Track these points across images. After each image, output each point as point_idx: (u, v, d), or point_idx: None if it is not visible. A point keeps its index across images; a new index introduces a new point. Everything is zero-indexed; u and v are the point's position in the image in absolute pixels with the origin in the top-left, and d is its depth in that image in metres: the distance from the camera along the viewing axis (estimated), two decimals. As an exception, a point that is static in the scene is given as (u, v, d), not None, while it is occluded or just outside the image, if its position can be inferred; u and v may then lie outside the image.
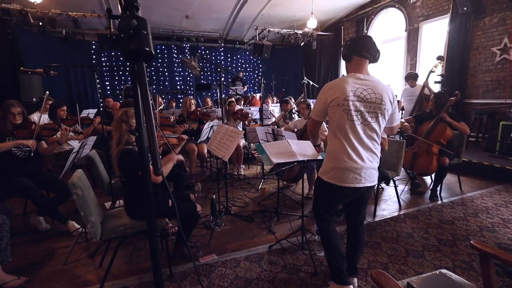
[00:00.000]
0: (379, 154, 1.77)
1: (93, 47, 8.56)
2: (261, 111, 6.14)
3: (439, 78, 5.21)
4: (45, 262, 2.39)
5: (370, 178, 1.72)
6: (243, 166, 4.88)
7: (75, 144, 3.67)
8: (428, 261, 2.24)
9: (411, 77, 5.16)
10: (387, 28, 7.60)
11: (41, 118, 3.38)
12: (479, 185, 3.88)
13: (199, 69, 8.06)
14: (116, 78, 9.01)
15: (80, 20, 7.15)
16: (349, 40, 1.78)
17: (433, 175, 3.65)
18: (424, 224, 2.84)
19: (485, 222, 2.84)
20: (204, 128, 3.97)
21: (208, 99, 6.37)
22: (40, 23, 6.74)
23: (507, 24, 4.93)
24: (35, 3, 5.64)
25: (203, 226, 2.93)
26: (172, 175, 3.07)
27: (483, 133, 5.24)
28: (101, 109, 3.26)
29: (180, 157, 2.31)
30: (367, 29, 7.82)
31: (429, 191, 3.59)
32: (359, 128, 1.66)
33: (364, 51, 1.68)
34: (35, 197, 2.71)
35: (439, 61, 4.72)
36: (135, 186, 2.03)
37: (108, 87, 8.90)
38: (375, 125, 1.68)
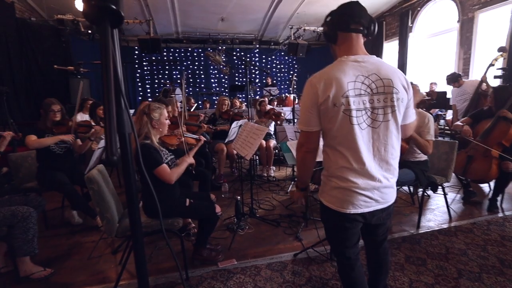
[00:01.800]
0: (397, 166, 1.29)
1: (136, 52, 9.05)
2: (293, 111, 5.93)
3: (499, 72, 4.54)
4: (72, 255, 2.44)
5: (383, 199, 1.26)
6: (273, 168, 4.69)
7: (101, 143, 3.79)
8: (487, 286, 1.85)
9: (453, 79, 4.56)
10: (435, 20, 6.90)
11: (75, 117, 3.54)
12: (553, 197, 3.24)
13: (224, 64, 8.07)
14: (156, 81, 9.42)
15: (124, 27, 7.58)
16: (329, 14, 1.27)
17: (492, 183, 3.13)
18: (481, 240, 2.39)
19: None
20: (232, 127, 3.87)
21: (236, 100, 6.32)
22: (90, 31, 7.27)
23: None
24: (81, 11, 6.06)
25: (226, 228, 2.81)
26: (196, 174, 3.00)
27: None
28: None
29: (192, 160, 2.21)
30: (412, 23, 7.18)
31: (487, 201, 3.07)
32: (367, 133, 1.18)
33: (352, 22, 1.20)
34: (68, 192, 2.81)
35: (501, 53, 4.11)
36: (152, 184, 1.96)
37: (148, 90, 9.34)
38: (390, 125, 1.20)
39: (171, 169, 1.98)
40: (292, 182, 4.04)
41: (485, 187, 3.60)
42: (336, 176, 1.24)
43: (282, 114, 5.00)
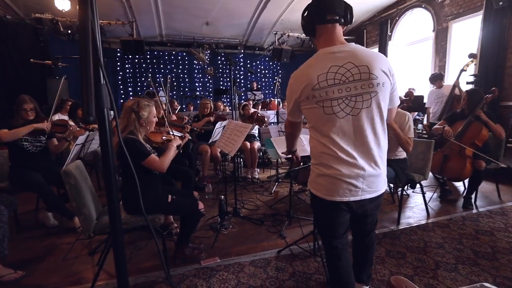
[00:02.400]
0: (385, 153, 1.29)
1: (118, 54, 8.87)
2: (277, 114, 5.99)
3: (471, 78, 4.78)
4: (46, 257, 2.32)
5: (370, 188, 1.25)
6: (258, 170, 4.69)
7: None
8: (463, 276, 1.91)
9: (437, 78, 4.79)
10: (413, 29, 7.22)
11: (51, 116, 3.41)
12: (522, 194, 3.42)
13: (207, 62, 8.09)
14: (139, 84, 9.25)
15: (106, 28, 7.43)
16: (305, 8, 1.28)
17: (466, 181, 3.27)
18: (457, 234, 2.48)
19: (532, 235, 2.44)
20: (216, 127, 3.85)
21: (220, 103, 6.34)
22: (69, 31, 7.08)
23: (551, 18, 4.45)
24: (63, 11, 5.90)
25: (209, 228, 2.77)
26: (179, 174, 2.96)
27: (525, 138, 4.70)
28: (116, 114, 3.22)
29: (178, 141, 2.19)
30: (391, 32, 7.47)
31: (462, 199, 3.20)
32: (347, 121, 1.19)
33: (327, 13, 1.20)
34: (44, 192, 2.69)
35: (471, 59, 4.33)
36: (130, 178, 1.91)
37: (130, 94, 9.15)
38: (372, 112, 1.19)
39: (159, 158, 1.95)
40: (276, 183, 4.05)
41: (460, 186, 3.75)
42: (321, 163, 1.27)
43: (266, 118, 5.04)
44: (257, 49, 10.05)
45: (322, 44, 1.25)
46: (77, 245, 2.46)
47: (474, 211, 2.99)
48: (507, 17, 4.96)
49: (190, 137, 2.64)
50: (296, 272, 2.01)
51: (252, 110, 5.13)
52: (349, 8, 1.25)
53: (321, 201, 1.29)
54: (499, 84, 5.04)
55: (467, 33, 5.83)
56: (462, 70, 4.29)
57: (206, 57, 8.28)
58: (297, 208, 3.12)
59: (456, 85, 4.33)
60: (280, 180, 4.20)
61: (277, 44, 8.17)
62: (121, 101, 9.06)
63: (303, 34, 8.48)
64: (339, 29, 1.25)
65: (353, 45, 1.23)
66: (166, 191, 2.12)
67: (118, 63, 8.99)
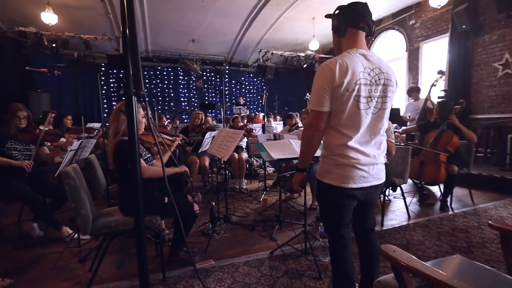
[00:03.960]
0: (385, 146, 1.47)
1: (103, 69, 8.86)
2: (263, 127, 6.16)
3: (442, 93, 5.20)
4: (33, 266, 2.26)
5: (378, 175, 1.43)
6: (245, 181, 4.77)
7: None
8: (443, 267, 2.06)
9: (413, 90, 5.19)
10: (388, 48, 7.77)
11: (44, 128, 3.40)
12: (492, 197, 3.69)
13: (200, 72, 8.27)
14: (123, 99, 9.21)
15: (92, 42, 7.46)
16: (339, 9, 1.41)
17: (441, 186, 3.51)
18: (436, 233, 2.66)
19: (502, 231, 2.65)
20: (205, 137, 3.94)
21: (209, 118, 6.45)
22: (54, 45, 7.05)
23: (507, 40, 4.99)
24: (50, 25, 5.92)
25: (201, 234, 2.80)
26: (170, 183, 2.99)
27: (491, 148, 5.11)
28: (106, 124, 3.25)
29: (184, 168, 2.24)
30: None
31: (439, 202, 3.43)
32: (369, 118, 1.35)
33: (361, 22, 1.36)
34: (31, 202, 2.65)
35: (440, 75, 4.74)
36: (128, 180, 1.96)
37: (115, 107, 9.08)
38: (385, 113, 1.40)
39: (148, 166, 2.00)
40: (264, 192, 4.14)
41: (436, 192, 4.00)
42: (338, 154, 1.37)
43: (254, 131, 5.19)
44: (241, 65, 10.37)
45: (349, 45, 1.38)
46: (66, 254, 2.41)
47: (450, 212, 3.21)
48: (469, 40, 5.50)
49: (180, 142, 2.71)
50: (289, 270, 2.08)
51: (241, 124, 5.28)
52: (374, 23, 1.44)
53: (337, 189, 1.38)
54: (467, 99, 5.49)
55: (437, 53, 6.36)
56: (432, 85, 4.68)
57: (199, 67, 8.46)
58: (286, 213, 3.22)
59: (428, 99, 4.70)
60: (268, 189, 4.29)
61: (261, 61, 8.50)
62: (105, 115, 8.96)
63: (287, 52, 8.91)
64: (364, 37, 1.41)
65: (375, 53, 1.42)
66: (162, 193, 2.17)
67: (103, 78, 8.96)
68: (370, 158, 1.38)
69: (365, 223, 1.57)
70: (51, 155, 3.04)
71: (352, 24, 1.37)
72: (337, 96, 1.30)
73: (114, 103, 9.14)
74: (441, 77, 4.78)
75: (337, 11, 1.43)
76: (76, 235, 2.58)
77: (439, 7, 5.30)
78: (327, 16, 1.53)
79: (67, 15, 6.52)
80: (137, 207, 0.92)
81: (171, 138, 2.68)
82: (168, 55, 9.33)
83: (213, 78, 10.28)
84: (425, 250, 2.33)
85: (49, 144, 3.40)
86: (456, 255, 1.17)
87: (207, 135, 3.94)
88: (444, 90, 5.29)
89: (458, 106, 3.52)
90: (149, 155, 2.16)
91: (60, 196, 2.82)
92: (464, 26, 5.34)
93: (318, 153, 2.07)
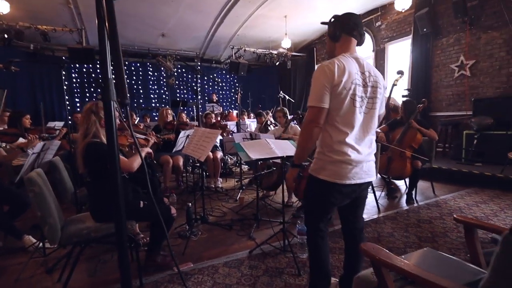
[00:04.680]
0: (375, 145, 1.57)
1: (64, 60, 8.26)
2: (238, 125, 6.14)
3: (405, 92, 5.52)
4: (-8, 280, 2.08)
5: (370, 171, 1.51)
6: (220, 179, 4.73)
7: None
8: (411, 257, 2.21)
9: None
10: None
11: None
12: (451, 189, 4.01)
13: (174, 71, 8.04)
14: (87, 95, 8.69)
15: (50, 34, 6.92)
16: (336, 17, 1.53)
17: (407, 180, 3.74)
18: (403, 225, 2.84)
19: (460, 220, 2.89)
20: (179, 137, 3.84)
21: (183, 114, 6.29)
22: (6, 36, 6.43)
23: (462, 44, 5.41)
24: (1, 13, 5.39)
25: (177, 235, 2.74)
26: (142, 182, 2.88)
27: (449, 143, 5.54)
28: (69, 122, 3.04)
29: (149, 149, 2.19)
30: (337, 50, 8.25)
31: (405, 196, 3.65)
32: (362, 116, 1.45)
33: (355, 30, 1.48)
34: (-14, 209, 2.42)
35: (400, 75, 5.02)
36: (100, 184, 1.86)
37: (78, 104, 8.53)
38: (375, 113, 1.50)
39: (130, 158, 1.92)
40: (241, 190, 4.13)
41: (402, 186, 4.26)
42: (334, 151, 1.43)
43: (228, 127, 5.16)
44: (214, 62, 10.21)
45: (343, 49, 1.49)
46: (30, 265, 2.24)
47: (416, 205, 3.43)
48: (430, 41, 5.89)
49: (155, 141, 2.63)
50: (269, 268, 2.11)
51: (214, 120, 5.21)
52: (364, 34, 1.55)
53: (331, 185, 1.44)
54: (427, 97, 5.88)
55: (401, 54, 6.73)
56: (393, 85, 4.94)
57: (173, 66, 8.19)
58: (263, 211, 3.25)
59: (389, 98, 4.96)
60: (244, 187, 4.30)
61: (234, 58, 8.43)
62: (66, 113, 8.38)
63: (259, 49, 8.92)
64: (355, 44, 1.53)
65: (370, 62, 1.52)
66: (136, 197, 2.09)
67: (64, 72, 8.34)
68: (363, 155, 1.46)
69: (355, 223, 1.67)
70: (9, 157, 2.80)
71: (347, 32, 1.49)
72: (335, 94, 1.37)
73: (77, 99, 8.58)
74: (400, 77, 5.06)
75: (333, 19, 1.55)
76: (40, 243, 2.40)
77: (403, 11, 5.59)
78: (324, 23, 1.63)
79: (22, 4, 5.98)
80: (118, 214, 0.87)
81: (143, 137, 2.58)
82: (136, 49, 8.91)
83: (185, 75, 10.02)
84: (395, 241, 2.47)
85: (4, 145, 3.12)
86: (427, 248, 1.26)
87: (181, 133, 3.84)
88: (407, 89, 5.64)
89: (421, 105, 3.75)
90: (122, 157, 2.06)
91: (20, 202, 2.60)
92: (425, 29, 5.70)
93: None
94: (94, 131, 1.86)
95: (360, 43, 1.54)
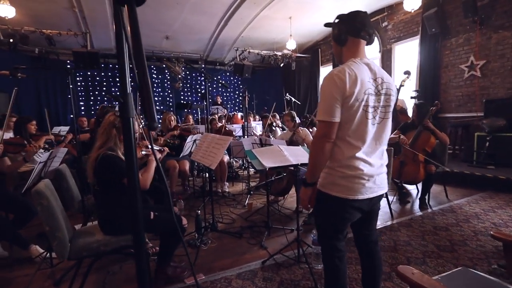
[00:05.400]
0: (387, 156, 1.47)
1: (68, 66, 8.24)
2: (243, 128, 6.07)
3: (414, 94, 5.42)
4: (-1, 293, 2.02)
5: (382, 184, 1.42)
6: (227, 184, 4.66)
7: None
8: (432, 268, 2.12)
9: None
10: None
11: (2, 136, 3.05)
12: (464, 193, 3.91)
13: (182, 75, 7.99)
14: (92, 98, 8.68)
15: (55, 38, 6.91)
16: (340, 18, 1.40)
17: (419, 184, 3.65)
18: (419, 232, 2.75)
19: (478, 227, 2.80)
20: (187, 142, 3.78)
21: (190, 116, 6.22)
22: (11, 40, 6.42)
23: (472, 44, 5.31)
24: (6, 18, 5.37)
25: (187, 244, 2.67)
26: (151, 191, 2.82)
27: (460, 144, 5.43)
28: (75, 127, 2.97)
29: (158, 154, 2.11)
30: (343, 51, 8.17)
31: (418, 201, 3.56)
32: (375, 128, 1.34)
33: (362, 30, 1.34)
34: (-8, 219, 2.36)
35: (407, 75, 4.93)
36: (110, 195, 1.80)
37: (82, 108, 8.52)
38: (388, 122, 1.39)
39: (141, 174, 1.85)
40: (248, 196, 4.06)
41: (412, 189, 4.16)
42: (346, 166, 1.33)
43: (234, 132, 5.10)
44: (218, 64, 10.17)
45: (351, 54, 1.37)
46: (37, 277, 2.18)
47: (429, 210, 3.34)
48: (438, 42, 5.78)
49: (168, 150, 2.56)
50: (283, 281, 2.03)
51: (219, 124, 5.15)
52: (374, 32, 1.42)
53: (343, 201, 1.34)
54: (436, 98, 5.78)
55: (409, 54, 6.63)
56: (401, 86, 4.85)
57: (182, 69, 8.15)
58: (273, 218, 3.17)
59: (397, 99, 4.87)
60: (252, 192, 4.22)
61: (238, 59, 8.38)
62: (71, 116, 8.38)
63: (264, 51, 8.86)
64: (364, 46, 1.40)
65: (376, 63, 1.40)
66: (147, 208, 2.02)
67: (68, 76, 8.33)
68: (375, 168, 1.37)
69: (369, 236, 1.56)
70: (13, 167, 2.75)
71: (353, 33, 1.36)
72: (347, 106, 1.26)
73: (81, 102, 8.56)
74: (408, 77, 4.97)
75: (337, 20, 1.41)
76: (48, 254, 2.35)
77: (412, 11, 5.50)
78: (327, 25, 1.51)
79: (27, 8, 5.97)
80: (137, 232, 0.80)
81: (158, 148, 2.51)
82: (140, 52, 8.89)
83: (189, 77, 9.98)
84: (413, 251, 2.38)
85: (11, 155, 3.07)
86: (462, 267, 1.18)
87: (188, 138, 3.78)
88: (416, 91, 5.54)
89: (434, 108, 3.66)
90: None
91: (27, 209, 2.55)
92: (433, 30, 5.60)
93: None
94: (112, 145, 1.80)
95: (369, 42, 1.41)
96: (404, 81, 4.77)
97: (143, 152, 2.30)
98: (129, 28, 0.60)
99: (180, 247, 2.58)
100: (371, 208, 1.46)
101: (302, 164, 2.23)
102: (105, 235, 1.81)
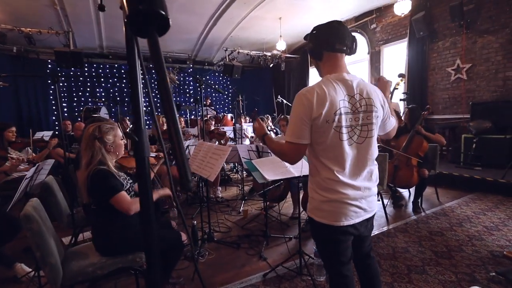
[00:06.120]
0: (377, 176, 1.37)
1: (49, 66, 7.89)
2: (235, 130, 5.99)
3: (403, 96, 5.49)
4: (-17, 320, 1.88)
5: (370, 208, 1.33)
6: (220, 188, 4.59)
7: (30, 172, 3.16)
8: (432, 276, 2.14)
9: None
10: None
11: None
12: (454, 195, 4.00)
13: (178, 82, 7.82)
14: (75, 99, 8.33)
15: (35, 37, 6.59)
16: (314, 30, 1.32)
17: (412, 188, 3.70)
18: (416, 238, 2.78)
19: (471, 231, 2.86)
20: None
21: (182, 119, 6.09)
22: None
23: (458, 47, 5.43)
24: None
25: (183, 257, 2.58)
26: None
27: (447, 146, 5.55)
28: (61, 132, 2.83)
29: (167, 192, 1.98)
30: (332, 52, 8.21)
31: (411, 204, 3.61)
32: (354, 148, 1.26)
33: (337, 43, 1.25)
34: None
35: (401, 78, 4.99)
36: (108, 214, 1.70)
37: (65, 109, 8.16)
38: (372, 141, 1.30)
39: (133, 199, 1.74)
40: (243, 201, 4.00)
41: (404, 192, 4.22)
42: (324, 188, 1.26)
43: (227, 134, 5.01)
44: (206, 64, 10.01)
45: (328, 69, 1.29)
46: (24, 299, 2.05)
47: (423, 214, 3.39)
48: (426, 45, 5.89)
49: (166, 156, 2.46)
50: (287, 295, 2.00)
51: (213, 126, 5.06)
52: (355, 40, 1.32)
53: (329, 228, 1.28)
54: (424, 101, 5.90)
55: (397, 56, 6.72)
56: (395, 89, 4.91)
57: (176, 77, 7.95)
58: (270, 226, 3.13)
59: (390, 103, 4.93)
60: (246, 198, 4.17)
61: (227, 60, 8.26)
62: (53, 118, 8.03)
63: (253, 51, 8.78)
64: (344, 58, 1.31)
65: (357, 76, 1.31)
66: (143, 224, 1.92)
67: (55, 84, 7.94)
68: (360, 191, 1.28)
69: (362, 251, 1.48)
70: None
71: (327, 48, 1.28)
72: (316, 127, 1.21)
73: (64, 104, 8.20)
74: (402, 80, 5.04)
75: (313, 32, 1.33)
76: (35, 273, 2.21)
77: (402, 15, 5.56)
78: (305, 38, 1.41)
79: (4, 5, 5.64)
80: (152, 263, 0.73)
81: (154, 155, 2.41)
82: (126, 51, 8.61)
83: (177, 77, 9.77)
84: (412, 258, 2.40)
85: None
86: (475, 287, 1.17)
87: (181, 145, 3.66)
88: (405, 93, 5.61)
89: (426, 112, 3.71)
90: (131, 181, 1.89)
91: (11, 225, 2.38)
92: (421, 33, 5.70)
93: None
94: (100, 158, 1.69)
95: (350, 53, 1.32)
96: (398, 84, 4.83)
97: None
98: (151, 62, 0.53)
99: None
100: (363, 230, 1.36)
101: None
102: (101, 256, 1.71)
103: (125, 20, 0.52)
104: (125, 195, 1.69)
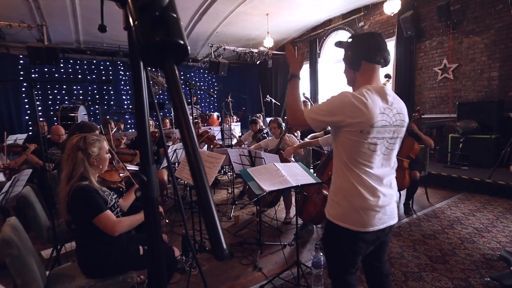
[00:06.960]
0: (395, 184, 1.41)
1: (21, 61, 7.39)
2: (222, 131, 5.86)
3: (391, 95, 5.55)
4: None
5: (393, 214, 1.36)
6: (209, 191, 4.45)
7: (1, 178, 2.92)
8: (429, 283, 2.13)
9: None
10: (338, 48, 8.02)
11: None
12: (443, 195, 4.08)
13: (166, 85, 7.54)
14: (50, 97, 7.87)
15: (5, 30, 6.15)
16: (354, 38, 1.33)
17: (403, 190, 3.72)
18: (410, 242, 2.78)
19: (463, 233, 2.90)
20: (168, 151, 3.50)
21: (167, 120, 5.87)
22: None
23: (445, 47, 5.52)
24: None
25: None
26: (130, 210, 2.56)
27: (434, 145, 5.66)
28: (36, 135, 2.62)
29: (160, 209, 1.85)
30: (319, 49, 8.18)
31: (402, 206, 3.63)
32: (381, 159, 1.28)
33: (378, 55, 1.27)
34: None
35: (387, 79, 5.02)
36: (93, 234, 1.55)
37: (39, 108, 7.69)
38: (393, 153, 1.33)
39: (119, 218, 1.60)
40: (233, 206, 3.90)
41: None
42: (355, 196, 1.28)
43: (216, 139, 4.87)
44: (190, 60, 9.73)
45: (365, 80, 1.30)
46: (0, 325, 1.87)
47: (414, 216, 3.42)
48: (413, 44, 5.95)
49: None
50: (286, 310, 1.93)
51: (202, 129, 4.91)
52: (389, 53, 1.32)
53: (354, 234, 1.28)
54: (411, 100, 5.98)
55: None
56: (382, 89, 4.95)
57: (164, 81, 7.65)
58: (263, 232, 3.05)
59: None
60: (236, 202, 4.05)
61: (213, 56, 8.06)
62: (26, 117, 7.55)
63: (239, 48, 8.60)
64: (379, 70, 1.33)
65: (391, 90, 1.33)
66: (133, 241, 1.79)
67: (21, 73, 7.47)
68: (386, 198, 1.31)
69: (380, 267, 1.49)
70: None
71: (368, 58, 1.28)
72: (348, 133, 1.24)
73: (38, 102, 7.73)
74: (388, 81, 5.07)
75: (350, 40, 1.34)
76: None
77: (392, 14, 5.57)
78: (338, 44, 1.40)
79: (-32, -4, 5.19)
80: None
81: (136, 168, 2.25)
82: (105, 47, 8.22)
83: (159, 74, 9.44)
84: (407, 264, 2.39)
85: None
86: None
87: (169, 149, 3.51)
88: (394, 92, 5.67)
89: (416, 114, 3.73)
90: (115, 196, 1.74)
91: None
92: (409, 32, 5.74)
93: (312, 179, 1.91)
94: (82, 171, 1.53)
95: (385, 65, 1.33)
96: (384, 84, 4.86)
97: (122, 175, 2.04)
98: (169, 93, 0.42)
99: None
100: (383, 239, 1.40)
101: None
102: (87, 278, 1.57)
103: (135, 46, 0.40)
104: (110, 214, 1.54)
